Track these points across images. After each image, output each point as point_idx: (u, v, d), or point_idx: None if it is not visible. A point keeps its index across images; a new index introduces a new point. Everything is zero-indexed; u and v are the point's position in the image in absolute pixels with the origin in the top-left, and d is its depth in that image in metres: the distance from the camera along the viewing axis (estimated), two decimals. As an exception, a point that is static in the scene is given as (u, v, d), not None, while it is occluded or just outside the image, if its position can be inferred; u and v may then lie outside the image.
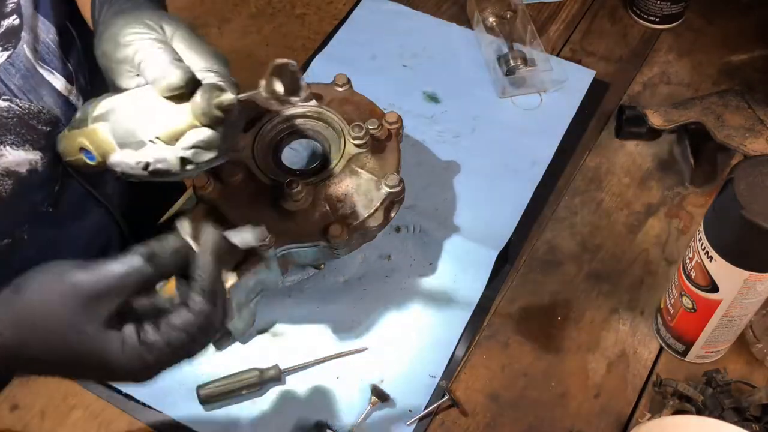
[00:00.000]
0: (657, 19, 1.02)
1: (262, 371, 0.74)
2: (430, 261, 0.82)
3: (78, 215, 0.82)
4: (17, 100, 0.69)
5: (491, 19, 1.01)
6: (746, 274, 0.63)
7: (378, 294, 0.80)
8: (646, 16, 1.03)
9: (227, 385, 0.73)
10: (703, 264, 0.66)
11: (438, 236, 0.83)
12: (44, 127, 0.72)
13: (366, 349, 0.76)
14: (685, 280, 0.69)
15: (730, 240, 0.63)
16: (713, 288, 0.66)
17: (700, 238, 0.66)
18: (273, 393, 0.74)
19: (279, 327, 0.78)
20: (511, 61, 0.95)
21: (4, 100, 0.68)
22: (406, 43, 1.01)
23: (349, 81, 0.82)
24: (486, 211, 0.85)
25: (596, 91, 0.96)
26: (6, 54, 0.68)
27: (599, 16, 1.05)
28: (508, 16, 1.01)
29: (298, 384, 0.75)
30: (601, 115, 0.94)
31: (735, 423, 0.64)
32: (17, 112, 0.70)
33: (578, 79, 0.97)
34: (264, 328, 0.78)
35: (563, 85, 0.96)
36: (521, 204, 0.86)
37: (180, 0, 2.46)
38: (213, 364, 0.75)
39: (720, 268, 0.65)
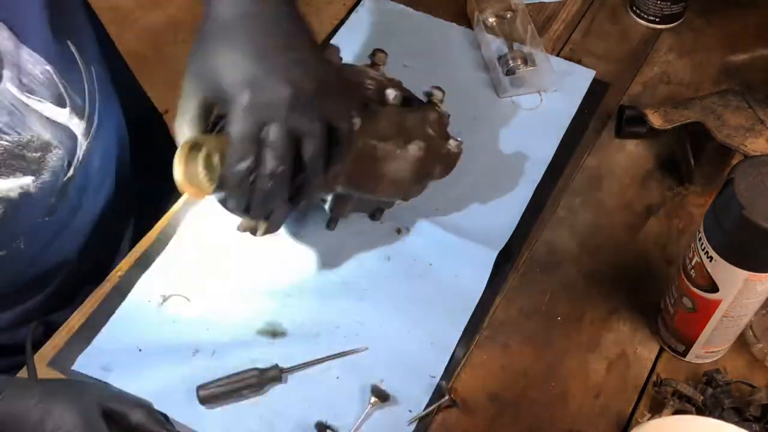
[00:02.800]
0: (657, 19, 1.02)
1: (262, 371, 0.74)
2: (430, 261, 0.82)
3: (75, 212, 0.82)
4: (6, 136, 0.69)
5: (491, 19, 1.01)
6: (746, 274, 0.63)
7: (378, 294, 0.80)
8: (646, 16, 1.03)
9: (227, 385, 0.73)
10: (703, 264, 0.66)
11: (438, 236, 0.83)
12: (34, 154, 0.72)
13: (366, 349, 0.76)
14: (685, 280, 0.69)
15: (730, 240, 0.63)
16: (713, 288, 0.66)
17: (700, 238, 0.66)
18: (273, 393, 0.74)
19: (279, 327, 0.78)
20: (511, 61, 0.95)
21: None
22: (406, 43, 1.01)
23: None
24: (486, 211, 0.85)
25: (596, 91, 0.96)
26: None
27: (599, 16, 1.05)
28: (508, 16, 1.01)
29: (298, 384, 0.75)
30: (601, 115, 0.94)
31: (735, 423, 0.64)
32: (6, 147, 0.70)
33: (578, 79, 0.97)
34: (264, 328, 0.78)
35: (563, 85, 0.96)
36: (521, 204, 0.86)
37: (180, 0, 2.46)
38: (213, 364, 0.75)
39: (720, 268, 0.65)
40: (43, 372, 0.75)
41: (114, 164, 0.89)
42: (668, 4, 1.00)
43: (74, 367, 0.75)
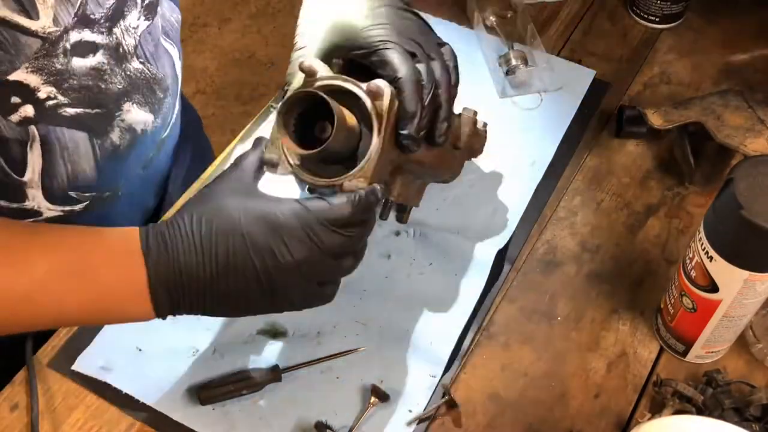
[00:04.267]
0: (657, 19, 1.02)
1: (261, 371, 0.74)
2: (430, 261, 0.82)
3: (157, 174, 0.88)
4: (149, 65, 0.75)
5: (491, 19, 1.01)
6: (746, 274, 0.63)
7: (378, 294, 0.80)
8: (646, 16, 1.03)
9: (227, 385, 0.73)
10: (703, 264, 0.66)
11: (438, 236, 0.83)
12: (160, 94, 0.78)
13: (366, 349, 0.76)
14: (685, 280, 0.69)
15: (730, 240, 0.63)
16: (713, 288, 0.66)
17: (700, 238, 0.66)
18: (272, 393, 0.74)
19: (279, 327, 0.78)
20: (512, 61, 0.95)
21: (140, 62, 0.74)
22: (406, 43, 1.01)
23: None
24: (486, 211, 0.85)
25: (596, 91, 0.96)
26: (147, 24, 0.74)
27: (599, 16, 1.05)
28: (508, 16, 1.01)
29: (298, 384, 0.75)
30: (601, 115, 0.94)
31: (735, 423, 0.64)
32: (147, 75, 0.75)
33: (578, 79, 0.97)
34: (264, 328, 0.78)
35: (563, 85, 0.96)
36: (521, 204, 0.86)
37: (180, 0, 2.46)
38: (213, 364, 0.75)
39: (720, 268, 0.65)
40: (44, 372, 0.76)
41: (174, 147, 0.92)
42: (668, 4, 1.00)
43: (74, 367, 0.75)
